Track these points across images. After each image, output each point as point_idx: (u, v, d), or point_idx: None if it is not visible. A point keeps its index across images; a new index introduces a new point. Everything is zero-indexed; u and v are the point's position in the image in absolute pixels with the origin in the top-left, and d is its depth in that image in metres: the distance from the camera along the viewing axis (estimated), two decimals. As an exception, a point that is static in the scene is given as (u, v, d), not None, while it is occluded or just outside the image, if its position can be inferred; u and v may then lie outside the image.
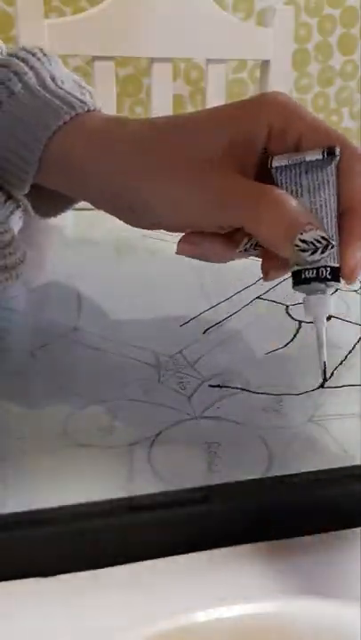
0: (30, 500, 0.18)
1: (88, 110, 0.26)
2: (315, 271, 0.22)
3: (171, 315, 0.31)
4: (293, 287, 0.24)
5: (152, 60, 0.81)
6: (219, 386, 0.25)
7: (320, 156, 0.23)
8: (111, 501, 0.18)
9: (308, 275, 0.23)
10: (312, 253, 0.22)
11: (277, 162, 0.23)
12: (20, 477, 0.20)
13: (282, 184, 0.23)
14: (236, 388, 0.25)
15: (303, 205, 0.23)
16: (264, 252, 0.24)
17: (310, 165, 0.23)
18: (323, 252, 0.22)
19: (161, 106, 0.83)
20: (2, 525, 0.17)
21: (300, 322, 0.31)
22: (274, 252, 0.23)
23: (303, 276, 0.23)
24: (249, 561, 0.18)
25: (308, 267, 0.22)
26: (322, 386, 0.24)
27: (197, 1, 0.80)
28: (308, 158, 0.23)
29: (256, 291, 0.34)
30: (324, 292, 0.23)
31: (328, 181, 0.23)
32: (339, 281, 0.23)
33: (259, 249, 0.24)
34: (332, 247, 0.22)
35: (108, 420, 0.23)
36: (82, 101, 0.26)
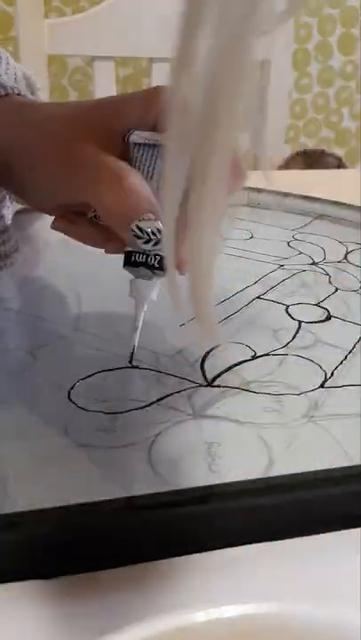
0: (30, 500, 0.18)
1: (7, 95, 0.27)
2: (145, 257, 0.23)
3: (170, 314, 0.31)
4: (123, 266, 0.24)
5: (152, 60, 0.81)
6: (219, 386, 0.25)
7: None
8: (111, 501, 0.18)
9: (138, 259, 0.23)
10: (146, 242, 0.22)
11: (135, 138, 0.23)
12: (20, 477, 0.20)
13: (136, 161, 0.23)
14: (237, 388, 0.25)
15: (147, 189, 0.22)
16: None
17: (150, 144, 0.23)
18: (155, 245, 0.22)
19: (161, 106, 0.83)
20: (1, 525, 0.17)
21: (300, 322, 0.31)
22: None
23: (133, 259, 0.23)
24: (249, 561, 0.18)
25: (140, 251, 0.23)
26: (130, 362, 0.24)
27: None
28: (152, 138, 0.23)
29: (256, 291, 0.34)
30: (150, 278, 0.23)
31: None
32: (159, 268, 0.23)
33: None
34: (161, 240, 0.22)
35: (108, 420, 0.23)
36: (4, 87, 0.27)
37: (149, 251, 0.23)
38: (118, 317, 0.31)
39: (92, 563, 0.17)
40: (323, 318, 0.31)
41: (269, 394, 0.25)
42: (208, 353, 0.28)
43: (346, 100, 1.57)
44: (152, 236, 0.22)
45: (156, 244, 0.22)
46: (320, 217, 0.47)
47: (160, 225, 0.22)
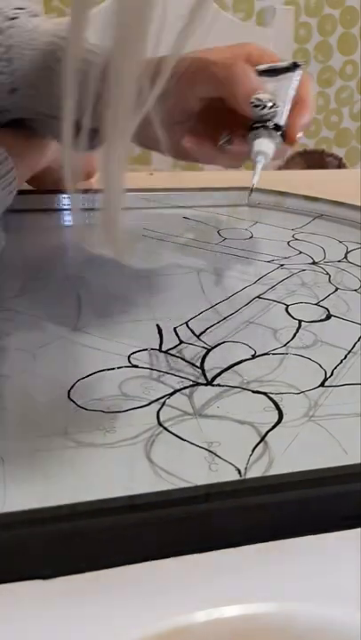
0: (30, 500, 0.18)
1: None
2: (263, 122, 0.33)
3: (170, 314, 0.31)
4: (248, 137, 0.34)
5: (152, 60, 0.81)
6: (219, 385, 0.25)
7: (283, 66, 0.35)
8: (111, 501, 0.18)
9: (258, 125, 0.33)
10: (262, 109, 0.33)
11: (260, 67, 0.35)
12: (20, 477, 0.20)
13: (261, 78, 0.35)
14: (237, 387, 0.25)
15: (261, 81, 0.34)
16: (235, 148, 0.35)
17: (281, 70, 0.35)
18: (270, 109, 0.33)
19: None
20: (1, 525, 0.17)
21: (300, 321, 0.31)
22: (240, 112, 0.33)
23: (254, 126, 0.34)
24: (249, 561, 0.18)
25: (263, 121, 0.33)
26: (249, 195, 0.38)
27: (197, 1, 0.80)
28: (278, 66, 0.35)
29: (256, 290, 0.34)
30: (267, 136, 0.33)
31: (290, 80, 0.35)
32: (279, 131, 0.34)
33: (232, 146, 0.35)
34: (277, 106, 0.33)
35: (108, 420, 0.23)
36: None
37: (265, 115, 0.33)
38: (118, 317, 0.31)
39: (91, 562, 0.17)
40: (323, 317, 0.31)
41: (270, 393, 0.25)
42: (208, 352, 0.28)
43: (346, 99, 1.57)
44: (266, 102, 0.33)
45: (270, 107, 0.33)
46: (320, 217, 0.47)
47: (271, 96, 0.33)
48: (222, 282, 0.35)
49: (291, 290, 0.34)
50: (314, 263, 0.38)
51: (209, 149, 0.35)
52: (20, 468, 0.20)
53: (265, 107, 0.32)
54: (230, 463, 0.21)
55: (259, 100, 0.32)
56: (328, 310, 0.32)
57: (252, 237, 0.43)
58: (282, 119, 0.34)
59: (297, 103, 0.35)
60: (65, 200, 0.47)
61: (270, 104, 0.33)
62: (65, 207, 0.47)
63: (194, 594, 0.16)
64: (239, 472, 0.20)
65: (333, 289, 0.35)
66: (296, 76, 0.35)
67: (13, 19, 0.38)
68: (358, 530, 0.19)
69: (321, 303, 0.33)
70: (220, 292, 0.34)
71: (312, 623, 0.15)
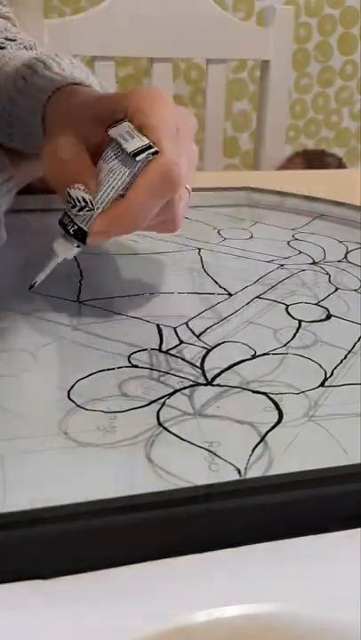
0: (30, 500, 0.18)
1: (73, 84, 0.32)
2: (70, 224, 0.28)
3: (170, 314, 0.31)
4: (58, 224, 0.29)
5: (152, 60, 0.81)
6: (219, 385, 0.25)
7: (130, 150, 0.27)
8: (111, 501, 0.18)
9: (65, 221, 0.28)
10: (72, 207, 0.27)
11: (110, 131, 0.28)
12: (20, 477, 0.20)
13: (107, 147, 0.28)
14: (236, 387, 0.25)
15: (88, 172, 0.28)
16: None
17: (123, 150, 0.28)
18: (79, 210, 0.27)
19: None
20: (1, 525, 0.17)
21: (300, 321, 0.31)
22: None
23: (61, 221, 0.29)
24: (249, 561, 0.18)
25: (69, 219, 0.28)
26: (30, 289, 0.30)
27: (197, 1, 0.80)
28: (124, 146, 0.27)
29: (256, 290, 0.34)
30: (68, 240, 0.29)
31: (124, 171, 0.28)
32: (81, 240, 0.28)
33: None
34: (89, 210, 0.27)
35: (108, 420, 0.23)
36: (65, 79, 0.32)
37: (75, 215, 0.28)
38: (118, 317, 0.31)
39: (91, 562, 0.17)
40: (323, 318, 0.31)
41: (269, 393, 0.25)
42: (208, 352, 0.28)
43: (346, 99, 1.57)
44: (78, 203, 0.27)
45: (80, 209, 0.27)
46: (320, 217, 0.47)
47: (88, 196, 0.27)
48: (222, 282, 0.35)
49: (291, 290, 0.34)
50: (314, 263, 0.38)
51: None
52: (19, 467, 0.20)
53: (75, 206, 0.27)
54: (230, 463, 0.21)
55: (70, 196, 0.27)
56: (328, 310, 0.32)
57: (252, 237, 0.43)
58: (88, 222, 0.28)
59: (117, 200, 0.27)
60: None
61: (81, 204, 0.27)
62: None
63: (194, 594, 0.16)
64: (239, 472, 0.20)
65: (333, 289, 0.35)
66: (127, 174, 0.27)
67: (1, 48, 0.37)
68: (358, 530, 0.19)
69: (321, 303, 0.33)
70: (220, 291, 0.34)
71: (312, 623, 0.15)
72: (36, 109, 0.32)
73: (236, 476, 0.20)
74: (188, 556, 0.18)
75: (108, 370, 0.26)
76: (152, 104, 0.28)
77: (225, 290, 0.34)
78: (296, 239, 0.43)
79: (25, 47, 0.38)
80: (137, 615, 0.16)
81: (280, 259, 0.39)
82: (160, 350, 0.28)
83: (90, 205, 0.27)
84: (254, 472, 0.20)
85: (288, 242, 0.42)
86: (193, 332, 0.29)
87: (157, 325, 0.30)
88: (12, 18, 0.43)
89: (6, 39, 0.38)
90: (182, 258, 0.39)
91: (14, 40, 0.38)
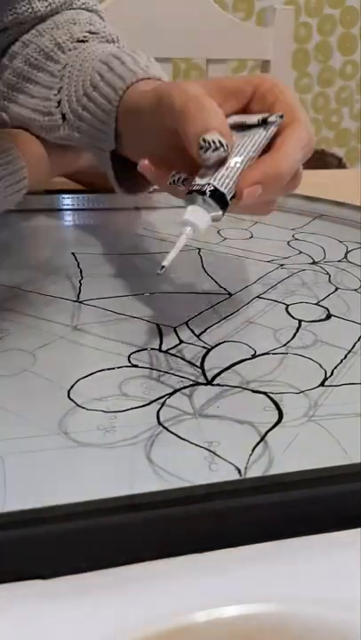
0: (30, 500, 0.18)
1: (149, 78, 0.34)
2: (202, 187, 0.26)
3: (170, 314, 0.31)
4: (185, 200, 0.27)
5: (152, 60, 0.81)
6: (219, 384, 0.25)
7: (255, 121, 0.29)
8: (111, 500, 0.18)
9: (195, 188, 0.26)
10: (206, 151, 0.26)
11: (230, 119, 0.29)
12: (19, 477, 0.20)
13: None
14: (236, 387, 0.25)
15: (223, 119, 0.27)
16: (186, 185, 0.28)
17: (248, 126, 0.29)
18: (214, 151, 0.26)
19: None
20: (1, 525, 0.17)
21: (300, 321, 0.31)
22: (190, 154, 0.27)
23: (192, 189, 0.26)
24: (249, 561, 0.18)
25: (199, 186, 0.26)
26: (159, 271, 0.26)
27: (197, 1, 0.80)
28: (247, 122, 0.29)
29: (256, 290, 0.34)
30: (202, 204, 0.26)
31: (256, 136, 0.28)
32: (219, 202, 0.26)
33: (184, 185, 0.28)
34: (224, 151, 0.26)
35: (108, 420, 0.23)
36: (146, 72, 0.34)
37: (208, 159, 0.26)
38: (118, 317, 0.31)
39: (91, 562, 0.17)
40: (323, 317, 0.31)
41: (270, 393, 0.25)
42: (208, 352, 0.28)
43: (346, 99, 1.57)
44: (213, 144, 0.26)
45: (214, 150, 0.26)
46: (320, 216, 0.47)
47: (224, 139, 0.26)
48: (222, 281, 0.35)
49: (291, 290, 0.34)
50: (314, 263, 0.38)
51: (162, 182, 0.29)
52: (19, 467, 0.20)
53: (210, 149, 0.26)
54: (230, 463, 0.21)
55: (205, 140, 0.26)
56: (328, 310, 0.32)
57: (252, 237, 0.43)
58: (225, 183, 0.26)
59: (261, 156, 0.28)
60: (65, 200, 0.47)
61: (217, 146, 0.26)
62: (65, 207, 0.47)
63: (194, 594, 0.16)
64: (239, 472, 0.20)
65: (333, 289, 0.35)
66: (261, 136, 0.28)
67: (82, 41, 0.38)
68: (358, 530, 0.19)
69: (321, 303, 0.33)
70: (220, 291, 0.34)
71: (312, 623, 0.15)
72: (108, 105, 0.33)
73: (236, 476, 0.20)
74: (188, 556, 0.18)
75: (108, 369, 0.26)
76: (280, 86, 0.30)
77: (225, 289, 0.34)
78: (296, 239, 0.43)
79: (107, 40, 0.39)
80: (137, 615, 0.16)
81: (280, 259, 0.39)
82: (160, 350, 0.28)
83: (225, 147, 0.26)
84: (254, 472, 0.20)
85: (288, 242, 0.42)
86: (193, 332, 0.29)
87: (157, 325, 0.30)
88: (99, 10, 0.43)
89: (90, 32, 0.38)
90: (182, 258, 0.39)
91: (97, 33, 0.38)
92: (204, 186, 0.26)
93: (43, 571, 0.17)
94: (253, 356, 0.27)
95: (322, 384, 0.25)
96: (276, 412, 0.23)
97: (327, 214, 0.47)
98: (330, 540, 0.18)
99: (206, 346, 0.28)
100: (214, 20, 0.81)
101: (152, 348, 0.28)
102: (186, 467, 0.20)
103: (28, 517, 0.17)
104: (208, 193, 0.26)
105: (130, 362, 0.26)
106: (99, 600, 0.16)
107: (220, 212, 0.26)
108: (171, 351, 0.27)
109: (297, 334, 0.29)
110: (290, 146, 0.28)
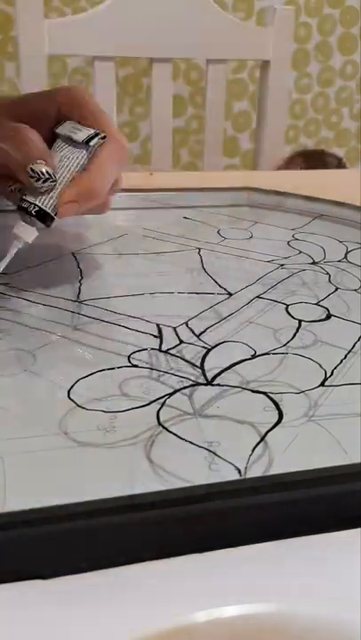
0: (30, 500, 0.18)
1: None
2: (30, 206, 0.30)
3: (170, 314, 0.31)
4: (17, 211, 0.31)
5: (152, 60, 0.81)
6: (219, 385, 0.25)
7: (80, 140, 0.32)
8: (111, 500, 0.18)
9: (24, 206, 0.31)
10: (37, 181, 0.30)
11: (58, 130, 0.33)
12: (19, 477, 0.20)
13: (54, 143, 0.32)
14: (237, 387, 0.25)
15: (45, 150, 0.31)
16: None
17: (74, 141, 0.32)
18: (44, 182, 0.30)
19: (161, 106, 0.83)
20: (1, 525, 0.17)
21: (300, 321, 0.31)
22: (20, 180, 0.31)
23: (20, 206, 0.31)
24: (249, 561, 0.18)
25: (28, 202, 0.30)
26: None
27: (197, 1, 0.80)
28: (75, 137, 0.32)
29: (256, 290, 0.34)
30: (29, 223, 0.31)
31: (78, 155, 0.31)
32: (42, 221, 0.31)
33: (19, 193, 0.31)
34: (52, 181, 0.30)
35: (108, 420, 0.23)
36: None
37: (40, 188, 0.30)
38: (118, 317, 0.31)
39: (91, 562, 0.17)
40: (323, 317, 0.31)
41: (269, 393, 0.25)
42: (208, 352, 0.28)
43: (346, 99, 1.57)
44: (41, 175, 0.30)
45: (44, 181, 0.30)
46: (320, 217, 0.47)
47: (49, 168, 0.30)
48: (222, 282, 0.35)
49: (291, 290, 0.34)
50: (314, 263, 0.38)
51: (3, 192, 0.33)
52: (19, 468, 0.20)
53: (39, 179, 0.30)
54: (230, 463, 0.21)
55: (33, 171, 0.29)
56: (328, 310, 0.32)
57: (252, 237, 0.43)
58: (49, 203, 0.30)
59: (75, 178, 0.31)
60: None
61: (45, 177, 0.30)
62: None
63: (194, 594, 0.16)
64: (239, 472, 0.20)
65: (333, 289, 0.35)
66: (83, 157, 0.31)
67: None
68: (358, 530, 0.19)
69: (321, 303, 0.33)
70: (220, 291, 0.34)
71: (312, 623, 0.15)
72: None
73: (236, 476, 0.20)
74: (188, 556, 0.18)
75: (109, 370, 0.26)
76: (85, 103, 0.33)
77: (225, 290, 0.34)
78: (296, 239, 0.43)
79: None
80: (137, 615, 0.16)
81: (280, 259, 0.39)
82: (160, 350, 0.28)
83: (53, 177, 0.30)
84: (254, 472, 0.20)
85: (288, 242, 0.42)
86: (193, 332, 0.29)
87: (157, 325, 0.30)
88: None
89: None
90: (182, 258, 0.39)
91: None
92: (30, 205, 0.30)
93: (43, 571, 0.17)
94: (253, 356, 0.27)
95: (322, 384, 0.25)
96: (276, 412, 0.23)
97: (327, 214, 0.47)
98: (330, 540, 0.18)
99: (206, 346, 0.28)
100: (214, 20, 0.81)
101: (152, 348, 0.28)
102: (186, 467, 0.20)
103: (28, 517, 0.17)
104: (34, 213, 0.30)
105: (130, 362, 0.26)
106: (99, 600, 0.16)
107: (45, 225, 0.31)
108: (171, 351, 0.27)
109: (297, 334, 0.29)
110: (102, 164, 0.31)
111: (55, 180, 0.30)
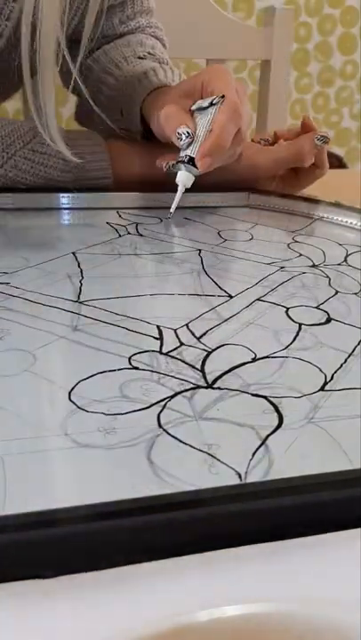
0: (30, 501, 0.18)
1: (163, 86, 0.49)
2: (183, 157, 0.42)
3: (171, 316, 0.31)
4: (174, 167, 0.43)
5: (152, 60, 0.81)
6: (219, 388, 0.25)
7: (207, 104, 0.43)
8: (111, 503, 0.18)
9: (180, 159, 0.43)
10: (179, 139, 0.42)
11: (195, 104, 0.44)
12: (20, 478, 0.20)
13: (193, 114, 0.44)
14: (237, 390, 0.25)
15: (188, 117, 0.43)
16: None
17: (203, 107, 0.44)
18: (186, 138, 0.42)
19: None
20: (2, 526, 0.17)
21: (300, 324, 0.31)
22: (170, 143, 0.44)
23: (177, 161, 0.43)
24: (249, 561, 0.18)
25: (181, 158, 0.42)
26: (168, 216, 0.44)
27: (197, 1, 0.80)
28: (203, 104, 0.43)
29: (256, 293, 0.34)
30: (184, 168, 0.42)
31: (208, 114, 0.43)
32: (194, 166, 0.42)
33: (175, 169, 0.43)
34: (190, 137, 0.42)
35: (108, 421, 0.23)
36: (159, 82, 0.49)
37: (185, 144, 0.42)
38: (119, 318, 0.31)
39: (91, 562, 0.17)
40: (323, 321, 0.31)
41: (269, 396, 0.25)
42: (209, 354, 0.28)
43: (346, 99, 1.57)
44: (184, 135, 0.42)
45: (186, 137, 0.42)
46: (320, 219, 0.47)
47: (189, 129, 0.42)
48: (223, 283, 0.35)
49: (291, 292, 0.34)
50: (314, 266, 0.38)
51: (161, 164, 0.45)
52: (20, 468, 0.20)
53: (181, 138, 0.42)
54: (230, 467, 0.21)
55: (178, 133, 0.42)
56: (328, 313, 0.32)
57: (252, 239, 0.43)
58: (194, 151, 0.42)
59: (209, 134, 0.42)
60: (64, 200, 0.47)
61: (188, 135, 0.42)
62: (64, 207, 0.47)
63: (194, 594, 0.17)
64: (239, 475, 0.20)
65: (333, 292, 0.35)
66: (210, 113, 0.42)
67: (141, 58, 0.53)
68: (358, 530, 0.19)
69: (321, 306, 0.33)
70: (220, 293, 0.34)
71: (312, 623, 0.15)
72: (138, 101, 0.49)
73: (236, 480, 0.20)
74: (188, 556, 0.18)
75: (109, 371, 0.26)
76: (218, 75, 0.45)
77: (225, 292, 0.34)
78: (296, 241, 0.43)
79: (159, 61, 0.53)
80: (137, 615, 0.16)
81: (280, 261, 0.39)
82: (161, 352, 0.28)
83: (192, 135, 0.42)
84: (254, 475, 0.20)
85: (288, 244, 0.42)
86: (193, 334, 0.29)
87: (158, 327, 0.30)
88: (164, 39, 0.60)
89: (148, 53, 0.54)
90: (183, 259, 0.39)
91: (153, 55, 0.54)
92: (183, 157, 0.42)
93: (43, 571, 0.17)
94: (254, 360, 0.27)
95: (322, 388, 0.25)
96: (277, 415, 0.24)
97: (327, 217, 0.47)
98: (330, 540, 0.18)
99: (207, 348, 0.28)
100: (214, 19, 0.81)
101: (153, 351, 0.28)
102: (186, 470, 0.20)
103: (29, 519, 0.18)
104: (187, 159, 0.42)
105: (130, 364, 0.27)
106: (99, 600, 0.16)
107: (197, 170, 0.42)
108: (171, 353, 0.28)
109: (297, 337, 0.29)
110: (219, 122, 0.42)
111: (191, 136, 0.42)
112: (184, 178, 0.42)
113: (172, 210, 0.43)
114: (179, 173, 0.42)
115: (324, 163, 0.49)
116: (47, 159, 0.45)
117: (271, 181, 0.51)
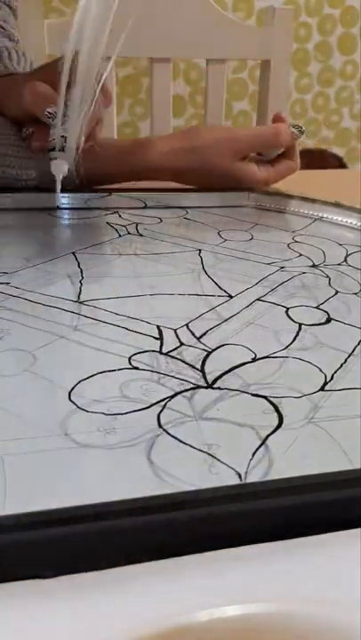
0: (30, 501, 0.18)
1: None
2: (54, 140, 0.43)
3: (171, 316, 0.31)
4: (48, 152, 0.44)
5: (152, 60, 0.81)
6: (219, 388, 0.25)
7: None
8: (111, 503, 0.18)
9: (50, 146, 0.43)
10: (48, 118, 0.42)
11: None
12: (19, 478, 0.20)
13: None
14: (237, 390, 0.25)
15: (53, 95, 0.42)
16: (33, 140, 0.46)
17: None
18: (54, 119, 0.42)
19: (161, 106, 0.83)
20: (1, 526, 0.17)
21: (300, 324, 0.31)
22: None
23: (49, 148, 0.43)
24: (249, 561, 0.18)
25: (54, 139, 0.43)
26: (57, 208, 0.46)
27: (197, 1, 0.80)
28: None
29: (256, 293, 0.34)
30: (58, 155, 0.43)
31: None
32: (63, 150, 0.43)
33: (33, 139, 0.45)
34: (55, 118, 0.42)
35: (108, 421, 0.23)
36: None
37: (53, 124, 0.42)
38: (119, 318, 0.31)
39: (91, 562, 0.17)
40: (323, 321, 0.31)
41: (269, 396, 0.25)
42: (209, 354, 0.28)
43: (346, 99, 1.57)
44: (52, 114, 0.42)
45: (54, 118, 0.42)
46: (320, 219, 0.47)
47: (56, 109, 0.41)
48: (223, 283, 0.35)
49: (291, 292, 0.34)
50: (314, 266, 0.38)
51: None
52: (20, 468, 0.20)
53: (51, 117, 0.42)
54: (230, 467, 0.21)
55: (49, 112, 0.42)
56: (328, 314, 0.32)
57: (252, 239, 0.43)
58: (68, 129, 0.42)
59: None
60: (64, 199, 0.47)
61: (55, 115, 0.41)
62: (65, 206, 0.47)
63: (194, 594, 0.17)
64: (239, 476, 0.20)
65: (333, 292, 0.35)
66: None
67: None
68: (358, 530, 0.19)
69: (321, 306, 0.33)
70: (220, 293, 0.34)
71: (312, 623, 0.15)
72: None
73: (236, 480, 0.20)
74: (188, 556, 0.18)
75: (109, 371, 0.26)
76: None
77: (225, 292, 0.34)
78: (296, 241, 0.43)
79: (9, 38, 0.54)
80: (137, 615, 0.16)
81: (280, 261, 0.39)
82: (161, 352, 0.28)
83: (57, 114, 0.41)
84: (255, 475, 0.20)
85: (288, 244, 0.42)
86: (193, 334, 0.29)
87: (158, 327, 0.30)
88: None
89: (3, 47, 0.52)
90: (183, 259, 0.39)
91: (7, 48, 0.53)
92: (54, 140, 0.43)
93: (43, 571, 0.17)
94: (254, 360, 0.27)
95: (322, 388, 0.25)
96: (277, 415, 0.24)
97: (327, 216, 0.47)
98: (330, 540, 0.18)
99: (207, 348, 0.28)
100: (214, 20, 0.81)
101: (153, 350, 0.28)
102: (186, 470, 0.20)
103: (28, 519, 0.18)
104: (60, 145, 0.43)
105: (130, 364, 0.27)
106: (99, 600, 0.16)
107: (72, 153, 0.44)
108: (171, 353, 0.28)
109: (297, 337, 0.29)
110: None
111: (60, 118, 0.41)
112: (56, 167, 0.43)
113: (58, 203, 0.45)
114: (53, 164, 0.43)
115: (294, 154, 0.51)
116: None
117: (246, 165, 0.51)
